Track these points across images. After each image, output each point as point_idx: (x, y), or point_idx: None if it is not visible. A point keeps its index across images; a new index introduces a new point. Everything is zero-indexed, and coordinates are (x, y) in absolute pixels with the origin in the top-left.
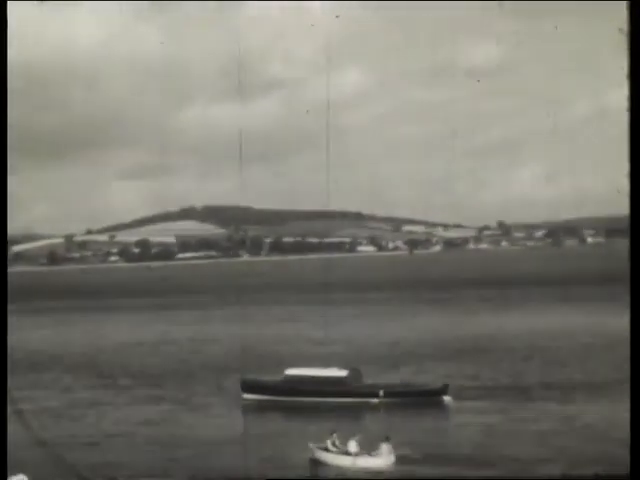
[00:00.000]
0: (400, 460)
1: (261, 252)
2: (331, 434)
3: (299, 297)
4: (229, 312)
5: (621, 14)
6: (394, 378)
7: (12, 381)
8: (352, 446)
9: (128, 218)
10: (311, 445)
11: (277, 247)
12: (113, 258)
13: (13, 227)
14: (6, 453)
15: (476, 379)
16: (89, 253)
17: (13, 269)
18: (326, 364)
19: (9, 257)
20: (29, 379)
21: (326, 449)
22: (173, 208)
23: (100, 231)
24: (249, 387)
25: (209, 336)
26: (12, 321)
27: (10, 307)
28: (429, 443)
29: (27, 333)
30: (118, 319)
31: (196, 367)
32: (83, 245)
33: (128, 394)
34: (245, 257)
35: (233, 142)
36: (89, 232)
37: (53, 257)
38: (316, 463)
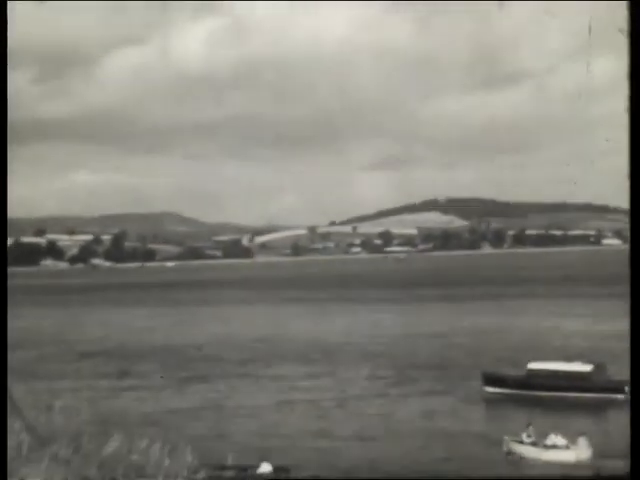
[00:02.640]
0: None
1: (503, 244)
2: (527, 426)
3: (550, 289)
4: (491, 305)
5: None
6: None
7: (294, 370)
8: (550, 439)
9: (371, 210)
10: (506, 437)
11: (519, 240)
12: (355, 249)
13: (258, 218)
14: (6, 453)
15: None
16: (332, 244)
17: (257, 259)
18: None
19: (253, 248)
20: (321, 368)
21: (521, 442)
22: (416, 200)
23: (343, 222)
24: (491, 380)
25: (485, 327)
26: (266, 310)
27: (258, 296)
28: None
29: (285, 322)
30: (384, 309)
31: (477, 358)
32: (326, 236)
33: (413, 386)
34: (486, 249)
35: (478, 133)
36: (332, 223)
37: (297, 248)
38: (511, 455)
